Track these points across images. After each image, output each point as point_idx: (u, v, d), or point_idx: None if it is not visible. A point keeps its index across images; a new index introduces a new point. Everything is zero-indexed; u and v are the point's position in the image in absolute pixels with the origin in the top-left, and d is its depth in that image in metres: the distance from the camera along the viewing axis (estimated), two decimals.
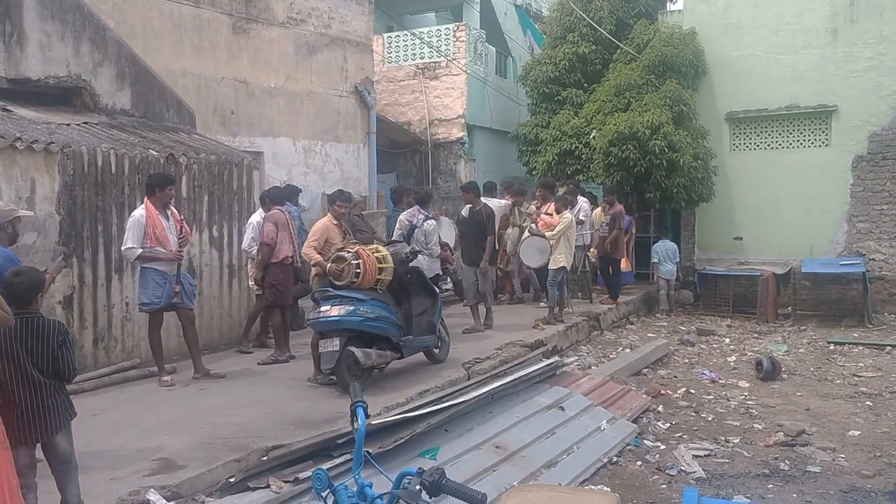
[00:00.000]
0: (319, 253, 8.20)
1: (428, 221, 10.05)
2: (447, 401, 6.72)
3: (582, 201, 13.62)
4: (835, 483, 6.55)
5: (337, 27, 14.33)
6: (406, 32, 18.70)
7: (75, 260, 7.95)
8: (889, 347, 11.93)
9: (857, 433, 7.88)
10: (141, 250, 7.48)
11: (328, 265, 7.66)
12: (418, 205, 10.33)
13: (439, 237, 10.29)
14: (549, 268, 11.20)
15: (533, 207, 12.63)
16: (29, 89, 8.55)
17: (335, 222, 8.41)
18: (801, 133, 15.88)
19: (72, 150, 7.89)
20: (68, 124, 8.45)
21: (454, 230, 11.54)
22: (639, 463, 7.06)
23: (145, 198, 7.74)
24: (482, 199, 11.17)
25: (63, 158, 7.80)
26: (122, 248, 7.65)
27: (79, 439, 4.58)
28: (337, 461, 5.20)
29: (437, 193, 13.19)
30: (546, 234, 11.19)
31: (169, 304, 7.69)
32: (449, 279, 12.47)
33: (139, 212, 7.60)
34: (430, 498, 2.59)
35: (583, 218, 13.05)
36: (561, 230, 11.08)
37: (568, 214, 11.42)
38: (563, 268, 11.21)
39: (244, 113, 12.46)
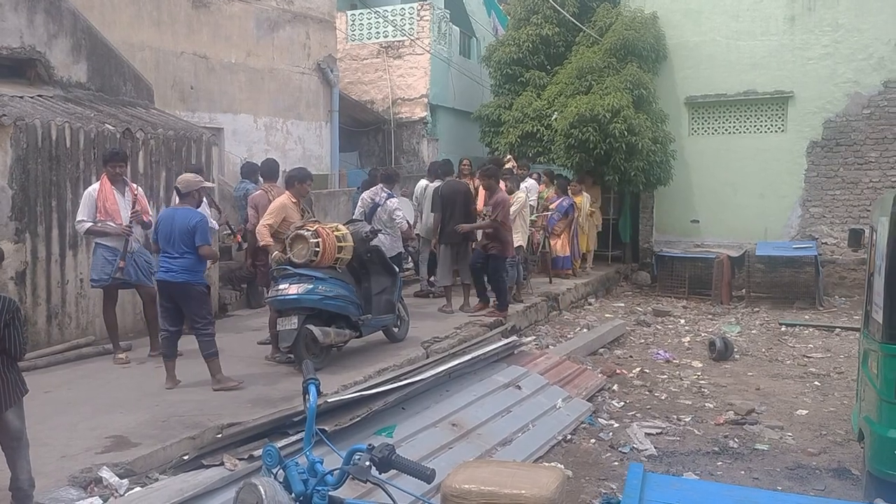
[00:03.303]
0: (277, 231, 8.12)
1: (391, 200, 10.04)
2: (405, 379, 6.77)
3: (528, 180, 13.67)
4: (782, 461, 6.73)
5: (300, 3, 14.18)
6: (370, 10, 18.57)
7: (28, 235, 7.82)
8: (838, 329, 12.21)
9: (804, 412, 8.09)
10: (90, 224, 7.41)
11: (275, 253, 7.62)
12: (383, 183, 10.32)
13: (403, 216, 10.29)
14: None
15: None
16: None
17: (294, 201, 8.35)
18: (758, 118, 16.12)
19: (25, 124, 7.74)
20: (22, 97, 8.28)
21: (413, 210, 11.51)
22: (593, 441, 7.18)
23: (102, 172, 7.68)
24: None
25: (16, 131, 7.65)
26: (75, 221, 7.60)
27: (31, 416, 4.54)
28: (292, 439, 5.23)
29: (401, 173, 13.14)
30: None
31: (122, 280, 7.61)
32: (410, 258, 12.45)
33: (93, 185, 7.57)
34: (380, 474, 2.63)
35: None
36: (516, 210, 11.08)
37: (521, 194, 11.43)
38: (520, 247, 11.27)
39: (204, 88, 12.30)
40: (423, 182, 11.83)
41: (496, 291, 10.24)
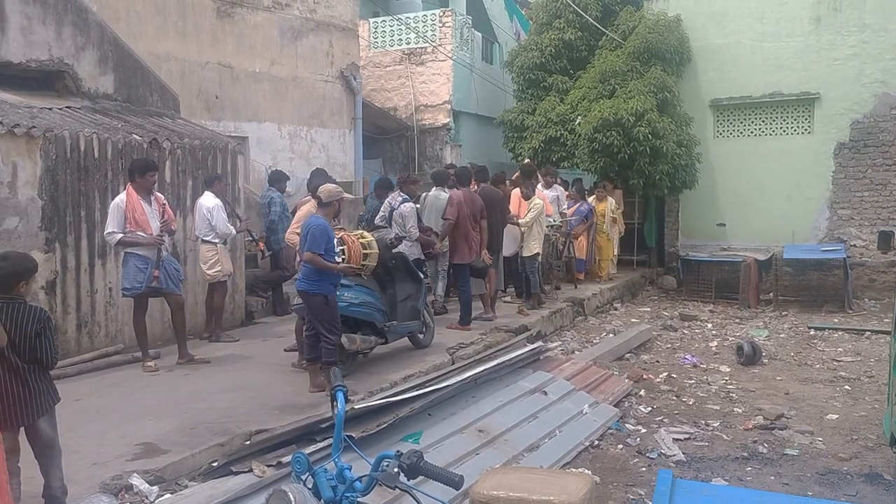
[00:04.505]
0: None
1: (405, 205, 10.02)
2: (431, 385, 6.77)
3: (557, 187, 13.61)
4: (812, 466, 6.64)
5: (322, 12, 14.27)
6: (392, 18, 18.64)
7: (58, 245, 7.93)
8: (868, 333, 12.05)
9: (835, 417, 7.98)
10: (121, 235, 7.47)
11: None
12: (399, 188, 10.38)
13: (418, 220, 10.20)
14: (523, 255, 11.14)
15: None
16: (10, 73, 8.47)
17: None
18: (784, 120, 15.98)
19: (54, 135, 7.85)
20: (50, 108, 8.40)
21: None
22: (620, 446, 7.14)
23: (128, 183, 7.73)
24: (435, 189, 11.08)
25: (45, 143, 7.76)
26: (104, 232, 7.66)
27: (62, 424, 4.59)
28: (319, 445, 5.25)
29: (424, 179, 13.09)
30: (519, 221, 11.08)
31: (153, 289, 7.68)
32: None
33: (120, 197, 7.61)
34: (409, 480, 2.63)
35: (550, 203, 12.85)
36: (534, 217, 11.03)
37: (538, 200, 11.34)
38: (538, 253, 11.22)
39: (229, 98, 12.41)
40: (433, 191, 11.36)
41: (460, 303, 10.06)
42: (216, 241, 8.87)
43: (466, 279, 9.99)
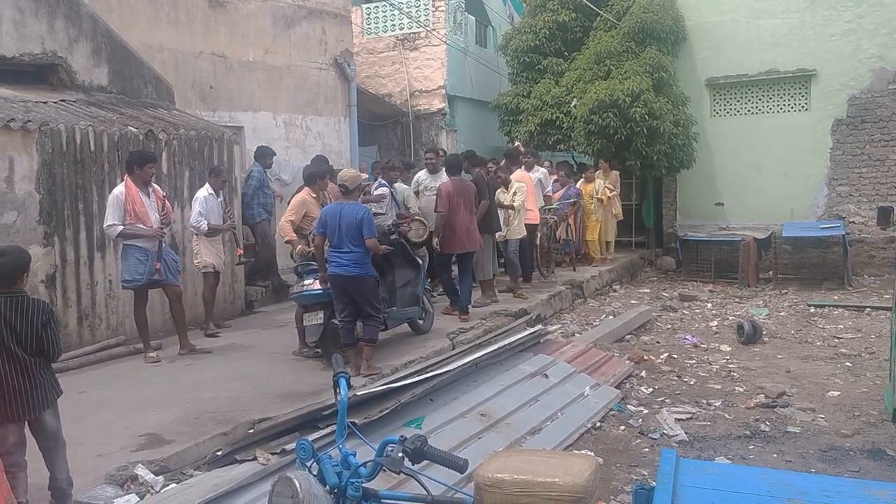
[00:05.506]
0: (300, 227, 8.23)
1: (379, 189, 10.05)
2: (432, 371, 6.79)
3: (540, 169, 13.51)
4: (814, 443, 6.66)
5: None
6: (385, 3, 18.52)
7: (56, 239, 7.93)
8: (868, 309, 12.06)
9: (836, 394, 8.00)
10: (122, 227, 7.46)
11: (299, 247, 7.74)
12: (379, 174, 10.46)
13: (395, 205, 10.13)
14: (509, 238, 11.00)
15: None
16: (3, 67, 8.45)
17: (314, 196, 8.41)
18: (781, 98, 15.94)
19: (50, 129, 7.83)
20: (45, 102, 8.38)
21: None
22: (622, 427, 7.16)
23: (125, 175, 7.71)
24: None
25: (41, 137, 7.75)
26: (104, 225, 7.64)
27: (65, 417, 4.61)
28: (323, 432, 5.26)
29: (419, 165, 13.02)
30: (513, 204, 10.96)
31: (153, 280, 7.68)
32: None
33: (118, 189, 7.58)
34: (413, 465, 2.64)
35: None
36: (522, 199, 10.95)
37: (522, 184, 11.14)
38: (524, 237, 11.18)
39: (223, 87, 12.35)
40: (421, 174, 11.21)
41: (447, 291, 10.05)
42: (196, 232, 8.86)
43: (446, 268, 9.92)
